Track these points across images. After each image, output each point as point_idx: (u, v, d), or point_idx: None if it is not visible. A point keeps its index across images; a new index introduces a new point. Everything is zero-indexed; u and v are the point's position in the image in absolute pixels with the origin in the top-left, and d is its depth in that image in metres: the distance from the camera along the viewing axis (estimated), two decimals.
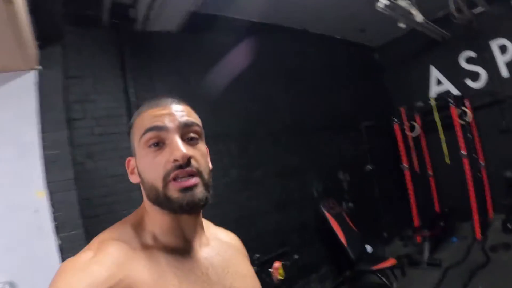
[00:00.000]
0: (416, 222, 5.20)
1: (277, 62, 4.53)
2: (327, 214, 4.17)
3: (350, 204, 4.63)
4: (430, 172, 5.44)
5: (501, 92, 4.85)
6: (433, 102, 4.93)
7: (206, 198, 0.82)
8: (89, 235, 2.62)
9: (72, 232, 2.50)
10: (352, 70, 5.58)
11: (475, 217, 4.59)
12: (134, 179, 0.90)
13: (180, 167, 0.79)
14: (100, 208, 2.90)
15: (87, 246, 0.82)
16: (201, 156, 0.84)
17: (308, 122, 4.71)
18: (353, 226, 4.26)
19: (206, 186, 0.83)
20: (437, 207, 5.44)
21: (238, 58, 3.93)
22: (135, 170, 0.88)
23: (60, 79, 2.68)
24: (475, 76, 5.11)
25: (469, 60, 5.12)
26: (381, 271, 3.69)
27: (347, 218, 4.31)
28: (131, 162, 0.90)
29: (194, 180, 0.80)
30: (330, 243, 4.17)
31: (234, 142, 3.91)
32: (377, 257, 3.95)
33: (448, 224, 4.95)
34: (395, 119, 5.37)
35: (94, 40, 3.17)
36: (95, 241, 0.84)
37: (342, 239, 3.98)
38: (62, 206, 2.48)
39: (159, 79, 3.52)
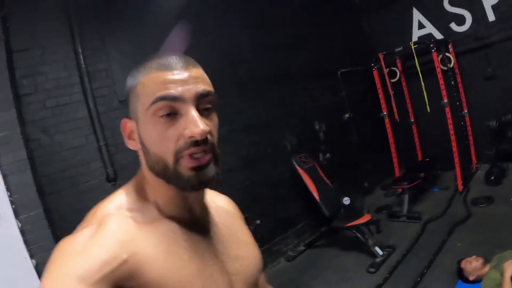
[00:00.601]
0: (397, 171, 5.03)
1: (244, 11, 4.09)
2: (298, 169, 3.97)
3: (327, 155, 4.45)
4: (411, 120, 5.24)
5: (487, 36, 4.52)
6: (413, 47, 4.55)
7: (218, 174, 0.75)
8: (50, 213, 2.62)
9: (32, 213, 2.47)
10: (328, 13, 5.12)
11: (457, 168, 4.41)
12: (132, 145, 0.80)
13: (196, 143, 0.71)
14: (61, 183, 2.82)
15: (86, 220, 0.74)
16: (215, 129, 0.77)
17: (280, 71, 4.35)
18: (327, 180, 4.05)
19: (217, 160, 0.76)
20: (419, 156, 5.29)
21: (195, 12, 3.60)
22: (135, 136, 0.78)
23: (2, 55, 2.52)
24: (459, 20, 4.73)
25: (454, 2, 4.72)
26: (356, 227, 3.59)
27: (321, 173, 4.08)
28: (128, 125, 0.79)
29: (209, 157, 0.73)
30: (306, 198, 4.01)
31: None
32: (352, 213, 3.77)
33: (430, 174, 4.81)
34: (374, 65, 5.01)
35: (37, 7, 2.84)
36: (95, 214, 0.75)
37: (315, 194, 3.81)
38: (18, 188, 2.44)
39: (112, 42, 3.20)
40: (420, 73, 4.46)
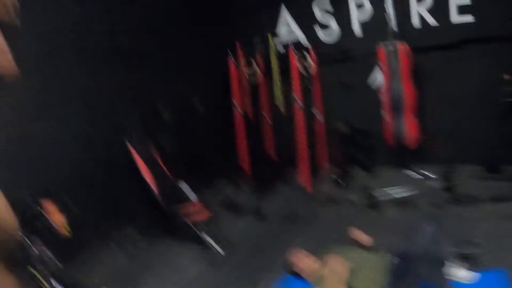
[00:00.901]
0: (247, 167, 5.00)
1: None
2: (135, 155, 3.60)
3: (173, 145, 4.06)
4: (266, 118, 5.22)
5: (351, 50, 4.78)
6: (272, 44, 4.56)
7: None
8: None
9: None
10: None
11: (307, 169, 4.56)
12: None
13: None
14: None
15: None
16: None
17: (128, 45, 3.91)
18: (167, 171, 3.74)
19: None
20: (272, 155, 5.32)
21: None
22: None
23: None
24: (327, 29, 4.91)
25: (324, 11, 4.85)
26: (194, 223, 3.39)
27: (161, 163, 3.76)
28: None
29: None
30: (143, 188, 3.62)
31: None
32: (192, 207, 3.61)
33: (280, 174, 4.92)
34: (231, 55, 4.86)
35: None
36: None
37: (152, 185, 3.50)
38: None
39: None
40: (277, 73, 4.47)
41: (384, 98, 4.15)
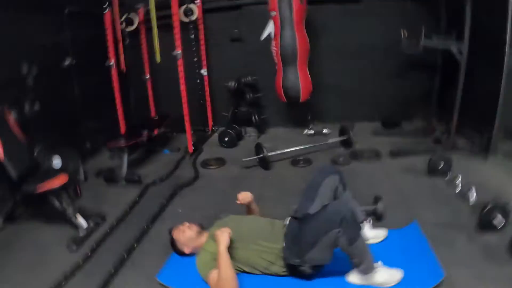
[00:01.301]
0: (123, 130, 4.22)
1: None
2: None
3: (37, 106, 3.14)
4: (147, 76, 4.55)
5: None
6: None
7: None
8: None
9: None
10: None
11: (188, 128, 3.97)
12: None
13: None
14: None
15: None
16: None
17: None
18: (19, 134, 2.76)
19: None
20: (151, 115, 4.67)
21: None
22: None
23: None
24: None
25: None
26: (52, 192, 2.53)
27: (10, 123, 2.74)
28: None
29: None
30: None
31: None
32: (49, 174, 2.69)
33: (161, 134, 4.26)
34: (107, 6, 3.95)
35: None
36: None
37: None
38: None
39: None
40: (155, 20, 3.76)
41: (276, 49, 3.75)
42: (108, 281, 2.04)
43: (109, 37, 3.98)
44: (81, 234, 2.53)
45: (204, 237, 2.15)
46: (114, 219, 2.73)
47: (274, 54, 3.82)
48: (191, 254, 2.16)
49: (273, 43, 3.80)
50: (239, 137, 4.33)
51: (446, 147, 3.42)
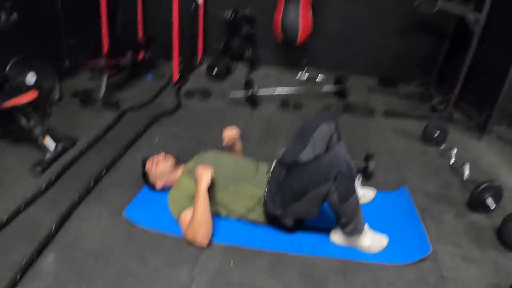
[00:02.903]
0: (106, 48, 3.67)
1: None
2: None
3: (14, 15, 2.61)
4: None
5: None
6: None
7: None
8: None
9: None
10: None
11: (175, 56, 3.48)
12: None
13: None
14: None
15: None
16: None
17: None
18: None
19: None
20: (140, 35, 4.11)
21: None
22: None
23: None
24: None
25: None
26: (18, 108, 2.14)
27: None
28: None
29: None
30: None
31: None
32: (18, 90, 2.29)
33: (146, 58, 3.80)
34: None
35: None
36: None
37: None
38: None
39: None
40: None
41: None
42: (70, 211, 1.80)
43: None
44: (47, 157, 2.21)
45: (180, 171, 1.90)
46: (84, 143, 2.40)
47: None
48: (164, 189, 1.91)
49: None
50: (228, 70, 3.91)
51: (442, 117, 3.15)
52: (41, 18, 3.11)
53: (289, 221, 1.69)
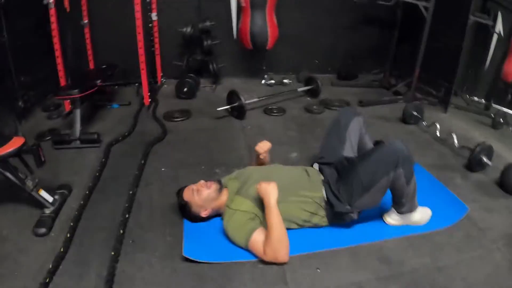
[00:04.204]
0: (63, 82, 3.17)
1: None
2: None
3: None
4: (85, 21, 3.48)
5: None
6: None
7: None
8: None
9: None
10: None
11: (144, 79, 3.22)
12: None
13: None
14: None
15: None
16: None
17: None
18: None
19: None
20: (91, 64, 3.70)
21: None
22: None
23: None
24: None
25: None
26: (2, 162, 1.73)
27: None
28: None
29: None
30: None
31: None
32: None
33: (107, 86, 3.43)
34: None
35: None
36: None
37: None
38: None
39: None
40: None
41: None
42: (112, 271, 1.47)
43: None
44: (48, 212, 1.82)
45: (225, 195, 1.74)
46: (83, 188, 2.05)
47: None
48: (209, 218, 1.75)
49: None
50: (197, 87, 3.70)
51: (407, 99, 3.44)
52: None
53: (355, 215, 1.69)
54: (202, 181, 1.75)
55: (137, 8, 2.96)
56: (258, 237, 1.52)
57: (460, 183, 2.22)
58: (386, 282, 1.46)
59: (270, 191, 1.55)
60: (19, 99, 2.96)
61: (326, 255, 1.59)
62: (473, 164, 2.30)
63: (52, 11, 2.94)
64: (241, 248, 1.57)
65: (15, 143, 1.79)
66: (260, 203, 1.60)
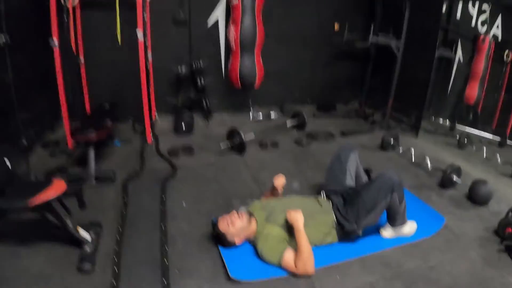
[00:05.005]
0: (67, 121, 3.44)
1: None
2: None
3: None
4: (80, 56, 3.79)
5: None
6: None
7: None
8: None
9: None
10: None
11: (147, 117, 3.59)
12: None
13: None
14: None
15: None
16: None
17: None
18: None
19: None
20: (87, 104, 4.00)
21: None
22: None
23: None
24: None
25: None
26: (48, 205, 1.96)
27: None
28: None
29: None
30: None
31: None
32: (32, 183, 2.14)
33: (111, 125, 3.53)
34: None
35: None
36: None
37: None
38: None
39: None
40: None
41: (235, 36, 3.70)
42: None
43: (53, 11, 3.12)
44: (88, 249, 2.05)
45: (254, 223, 2.12)
46: (112, 224, 2.31)
47: (232, 41, 3.77)
48: (240, 244, 2.11)
49: (232, 29, 3.74)
50: (193, 123, 4.08)
51: (382, 127, 4.08)
52: None
53: (360, 232, 2.14)
54: (235, 213, 2.11)
55: (141, 52, 3.35)
56: (289, 255, 1.92)
57: (436, 199, 2.77)
58: (391, 281, 1.92)
59: (298, 218, 1.99)
60: (22, 137, 3.17)
61: (341, 266, 2.02)
62: (446, 183, 2.88)
63: (57, 51, 3.25)
64: (275, 266, 1.95)
65: (58, 186, 2.04)
66: (287, 228, 2.02)
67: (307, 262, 1.89)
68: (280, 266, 1.94)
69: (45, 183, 2.07)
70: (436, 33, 3.73)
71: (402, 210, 2.16)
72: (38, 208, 1.95)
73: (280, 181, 2.38)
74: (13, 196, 1.97)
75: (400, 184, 2.08)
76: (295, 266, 1.90)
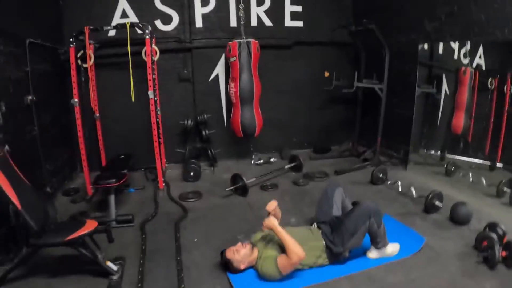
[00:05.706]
0: (87, 172, 4.01)
1: None
2: None
3: (6, 147, 2.82)
4: (97, 115, 4.41)
5: (189, 41, 4.82)
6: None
7: None
8: None
9: None
10: None
11: (159, 166, 4.13)
12: None
13: None
14: None
15: None
16: None
17: None
18: (23, 178, 2.56)
19: None
20: (102, 156, 4.57)
21: None
22: None
23: None
24: (166, 19, 4.75)
25: (164, 1, 4.71)
26: (80, 240, 2.42)
27: (13, 166, 2.54)
28: None
29: None
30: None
31: None
32: (67, 223, 2.64)
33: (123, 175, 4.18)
34: (73, 41, 3.88)
35: None
36: None
37: (14, 199, 2.27)
38: None
39: None
40: (130, 63, 3.84)
41: (235, 90, 4.35)
42: None
43: (73, 73, 3.82)
44: (116, 279, 2.48)
45: (256, 251, 2.54)
46: (134, 259, 2.74)
47: (233, 95, 4.40)
48: (245, 270, 2.53)
49: (232, 85, 4.39)
50: (200, 170, 4.59)
51: (373, 163, 4.60)
52: (23, 146, 3.37)
53: (347, 254, 2.57)
54: (239, 243, 2.56)
55: (152, 108, 3.99)
56: (281, 256, 2.38)
57: (420, 223, 3.18)
58: None
59: (271, 220, 2.47)
60: (47, 185, 3.69)
61: (331, 283, 2.42)
62: (429, 208, 3.30)
63: (77, 109, 3.90)
64: (277, 279, 2.37)
65: (90, 225, 2.55)
66: (281, 250, 2.45)
67: (295, 249, 2.32)
68: (278, 271, 2.36)
69: (80, 223, 2.57)
70: (415, 73, 4.28)
71: (381, 233, 2.57)
72: (73, 243, 2.42)
73: (271, 206, 2.77)
74: (53, 233, 2.45)
75: (376, 211, 2.52)
76: (290, 259, 2.33)
